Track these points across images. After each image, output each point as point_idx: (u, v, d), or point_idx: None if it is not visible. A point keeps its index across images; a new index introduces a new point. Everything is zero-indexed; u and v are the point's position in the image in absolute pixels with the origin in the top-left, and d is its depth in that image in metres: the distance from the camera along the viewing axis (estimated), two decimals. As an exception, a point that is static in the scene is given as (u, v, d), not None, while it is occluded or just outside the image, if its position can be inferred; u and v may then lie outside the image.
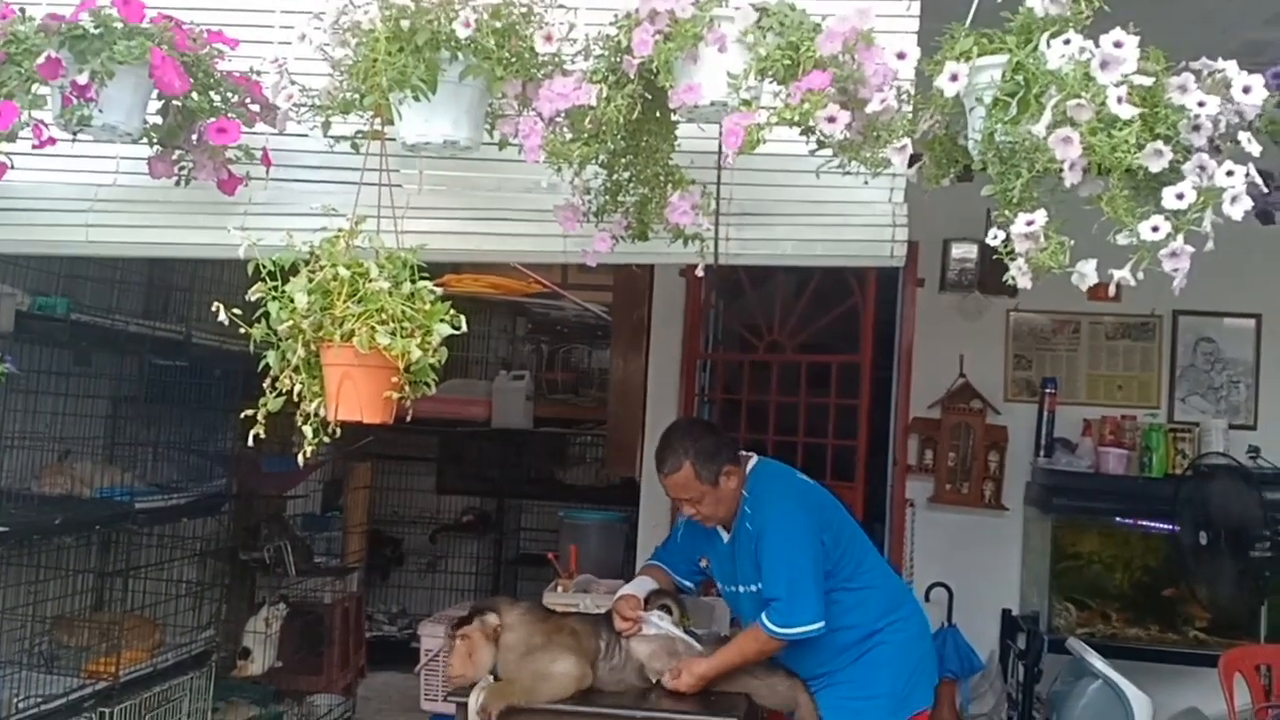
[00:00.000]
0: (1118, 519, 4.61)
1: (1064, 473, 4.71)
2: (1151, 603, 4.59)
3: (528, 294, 6.73)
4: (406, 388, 2.02)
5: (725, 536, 3.11)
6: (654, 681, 3.05)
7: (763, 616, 2.95)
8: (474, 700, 2.87)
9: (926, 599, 4.95)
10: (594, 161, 2.11)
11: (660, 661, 3.04)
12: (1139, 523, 4.58)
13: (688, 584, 3.34)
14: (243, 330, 2.18)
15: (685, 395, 5.29)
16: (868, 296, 4.81)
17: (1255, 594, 4.31)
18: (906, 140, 1.90)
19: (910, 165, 2.13)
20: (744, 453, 3.16)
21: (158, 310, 4.40)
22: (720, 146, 2.03)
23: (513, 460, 7.37)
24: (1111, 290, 1.85)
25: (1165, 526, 4.47)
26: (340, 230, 2.10)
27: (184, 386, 4.32)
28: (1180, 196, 1.70)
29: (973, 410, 5.00)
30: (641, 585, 3.22)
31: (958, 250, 4.96)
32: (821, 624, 2.91)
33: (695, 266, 2.32)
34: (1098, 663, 3.86)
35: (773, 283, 5.23)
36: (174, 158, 2.43)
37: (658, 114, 2.13)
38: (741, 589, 3.11)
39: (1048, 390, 4.87)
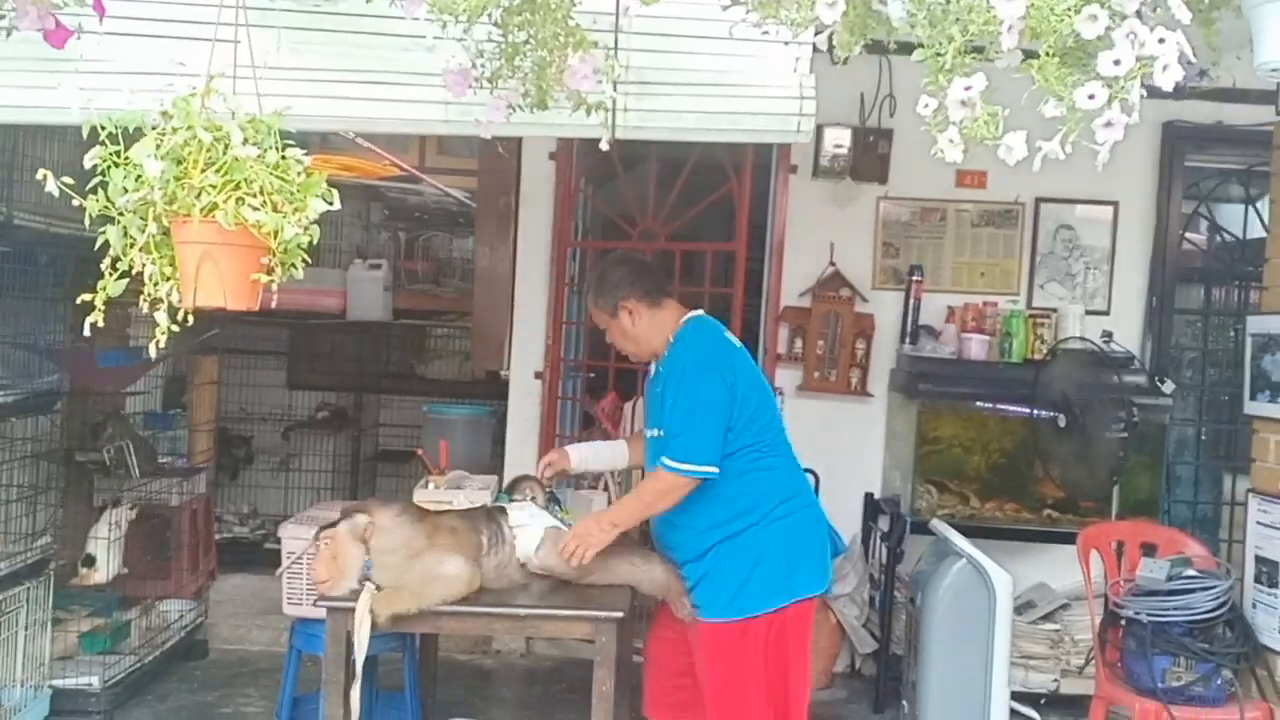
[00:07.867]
0: (978, 403, 4.71)
1: (927, 359, 4.77)
2: (1008, 484, 4.74)
3: (382, 177, 6.35)
4: (278, 270, 1.80)
5: (652, 378, 3.16)
6: (539, 575, 2.98)
7: (663, 457, 2.96)
8: (362, 606, 2.72)
9: (795, 485, 5.01)
10: (485, 19, 1.90)
11: (547, 552, 2.94)
12: (998, 406, 4.69)
13: None
14: (76, 203, 1.91)
15: (555, 285, 5.13)
16: (743, 184, 4.71)
17: (1109, 473, 4.48)
18: (835, -3, 1.76)
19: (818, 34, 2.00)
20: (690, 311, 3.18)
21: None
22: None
23: (370, 354, 7.10)
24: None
25: (1023, 410, 4.59)
26: (195, 90, 1.83)
27: (7, 273, 3.91)
28: (1118, 63, 1.62)
29: (842, 298, 5.00)
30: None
31: (831, 136, 4.89)
32: (716, 469, 2.94)
33: (598, 142, 2.13)
34: (962, 543, 3.95)
35: (644, 168, 5.06)
36: (-5, 7, 2.10)
37: (556, -35, 1.92)
38: (650, 433, 3.14)
39: (914, 278, 4.91)
